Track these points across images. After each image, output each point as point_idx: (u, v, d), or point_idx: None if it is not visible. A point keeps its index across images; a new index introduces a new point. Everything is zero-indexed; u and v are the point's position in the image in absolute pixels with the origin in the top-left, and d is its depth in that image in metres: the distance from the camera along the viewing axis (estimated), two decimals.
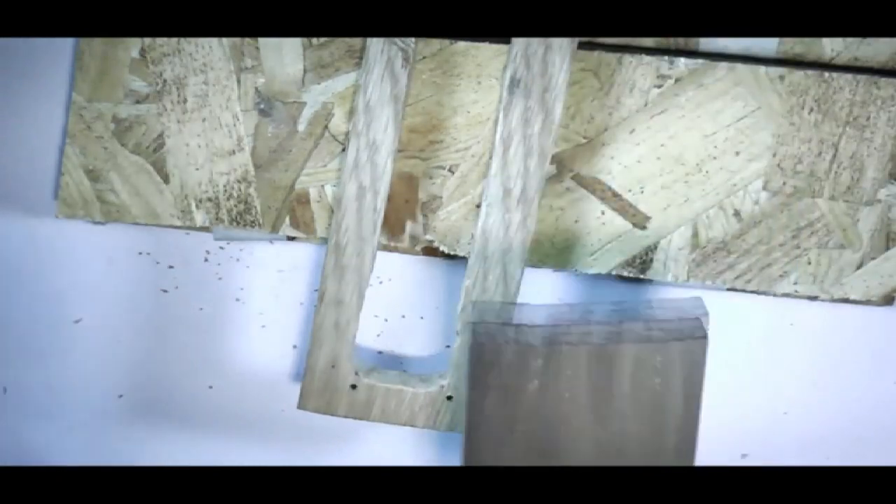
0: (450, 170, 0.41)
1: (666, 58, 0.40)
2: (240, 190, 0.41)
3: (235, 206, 0.41)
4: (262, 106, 0.40)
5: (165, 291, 0.44)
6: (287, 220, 0.41)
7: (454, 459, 0.45)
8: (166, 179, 0.41)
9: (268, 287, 0.44)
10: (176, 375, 0.44)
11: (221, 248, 0.43)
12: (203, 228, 0.42)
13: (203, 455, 0.45)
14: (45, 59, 0.41)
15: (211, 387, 0.45)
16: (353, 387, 0.40)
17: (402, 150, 0.41)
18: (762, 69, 0.40)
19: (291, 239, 0.42)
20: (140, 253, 0.43)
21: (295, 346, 0.44)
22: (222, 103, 0.40)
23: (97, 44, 0.40)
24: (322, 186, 0.41)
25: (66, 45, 0.41)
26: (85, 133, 0.41)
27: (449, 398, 0.40)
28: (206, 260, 0.43)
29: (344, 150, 0.41)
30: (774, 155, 0.41)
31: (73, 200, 0.41)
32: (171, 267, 0.43)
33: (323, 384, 0.40)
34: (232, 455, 0.45)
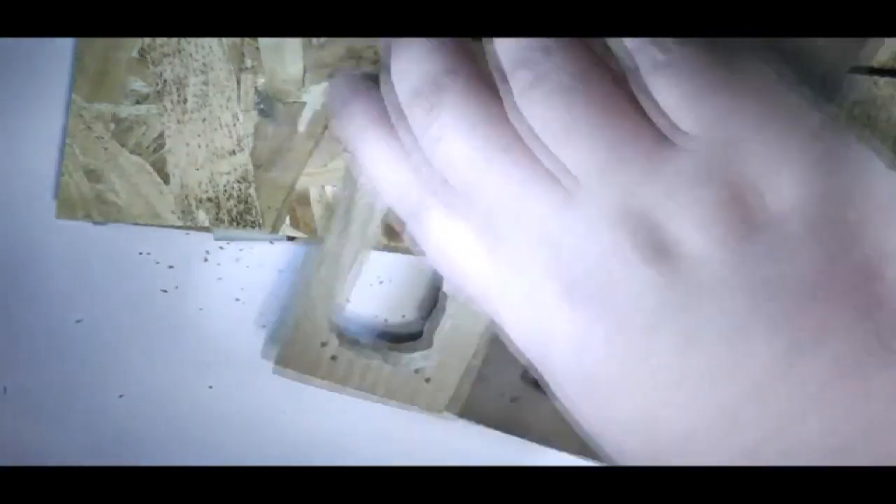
0: None
1: None
2: (240, 190, 0.41)
3: (236, 206, 0.41)
4: (262, 106, 0.40)
5: (165, 291, 0.44)
6: (287, 219, 0.41)
7: (455, 460, 0.45)
8: (166, 180, 0.41)
9: (268, 287, 0.44)
10: (176, 375, 0.44)
11: (221, 248, 0.43)
12: (203, 228, 0.42)
13: (203, 455, 0.45)
14: (45, 59, 0.41)
15: (211, 387, 0.45)
16: (334, 358, 0.40)
17: None
18: None
19: (291, 239, 0.42)
20: (140, 253, 0.43)
21: None
22: (222, 103, 0.40)
23: (97, 44, 0.40)
24: (323, 186, 0.41)
25: (66, 45, 0.41)
26: (85, 133, 0.41)
27: (427, 381, 0.40)
28: (206, 260, 0.43)
29: (345, 149, 0.41)
30: None
31: (73, 201, 0.41)
32: (171, 267, 0.43)
33: (302, 350, 0.40)
34: (232, 455, 0.45)
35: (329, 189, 0.41)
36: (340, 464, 0.45)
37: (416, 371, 0.40)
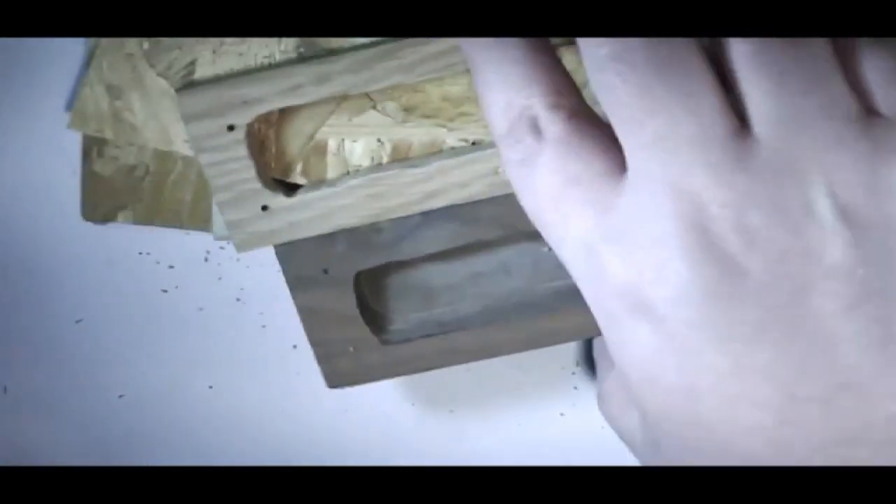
0: (473, 144, 0.40)
1: None
2: (260, 131, 0.40)
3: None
4: (302, 49, 0.39)
5: (165, 291, 0.44)
6: (299, 167, 0.40)
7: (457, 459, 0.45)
8: None
9: (268, 287, 0.44)
10: (176, 375, 0.44)
11: (221, 248, 0.43)
12: (203, 228, 0.42)
13: (203, 455, 0.45)
14: (46, 60, 0.41)
15: (211, 387, 0.45)
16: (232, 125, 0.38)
17: (430, 116, 0.40)
18: None
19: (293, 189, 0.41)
20: (140, 253, 0.43)
21: (295, 346, 0.44)
22: (264, 41, 0.39)
23: None
24: (343, 140, 0.40)
25: (66, 45, 0.41)
26: (116, 48, 0.40)
27: (264, 209, 0.39)
28: (206, 260, 0.43)
29: (374, 106, 0.40)
30: None
31: (88, 114, 0.40)
32: (171, 267, 0.43)
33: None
34: (232, 455, 0.45)
35: (349, 143, 0.40)
36: (340, 464, 0.45)
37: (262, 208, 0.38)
